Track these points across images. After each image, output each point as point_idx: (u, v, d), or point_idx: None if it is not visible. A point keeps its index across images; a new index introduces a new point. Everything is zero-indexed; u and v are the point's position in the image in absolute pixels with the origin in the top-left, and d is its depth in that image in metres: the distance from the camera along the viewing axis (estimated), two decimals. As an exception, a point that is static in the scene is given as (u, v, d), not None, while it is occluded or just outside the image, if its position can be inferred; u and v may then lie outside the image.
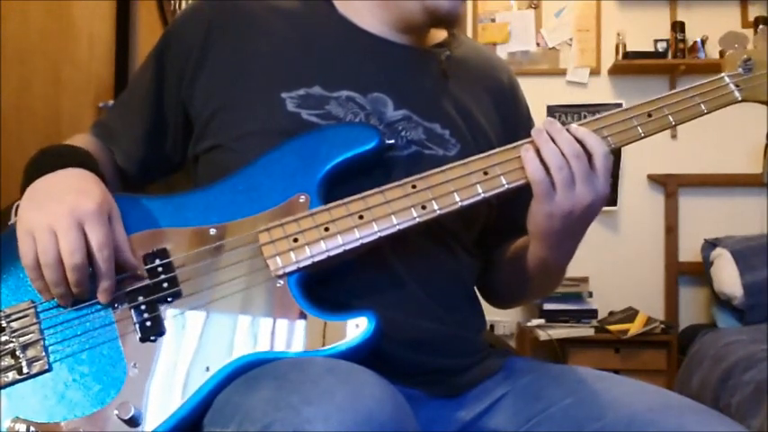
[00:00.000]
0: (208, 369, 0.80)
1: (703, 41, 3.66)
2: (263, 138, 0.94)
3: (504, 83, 1.13)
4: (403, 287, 0.93)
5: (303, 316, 0.83)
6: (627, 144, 0.95)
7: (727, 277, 3.25)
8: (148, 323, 0.83)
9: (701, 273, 3.54)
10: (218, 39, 1.00)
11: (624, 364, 3.25)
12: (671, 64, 3.66)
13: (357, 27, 1.03)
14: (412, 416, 0.71)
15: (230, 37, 1.00)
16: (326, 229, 0.86)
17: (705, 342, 3.04)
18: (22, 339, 0.83)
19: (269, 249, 0.86)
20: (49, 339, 0.83)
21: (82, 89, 1.72)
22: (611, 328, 3.32)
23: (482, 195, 0.90)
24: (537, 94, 2.81)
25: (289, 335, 0.82)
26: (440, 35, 1.10)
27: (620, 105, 0.96)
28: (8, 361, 0.82)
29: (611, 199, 2.72)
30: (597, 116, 0.94)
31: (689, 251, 3.65)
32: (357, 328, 0.81)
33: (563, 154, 0.88)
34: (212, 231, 0.88)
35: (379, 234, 0.87)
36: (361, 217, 0.87)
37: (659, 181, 3.73)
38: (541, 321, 3.41)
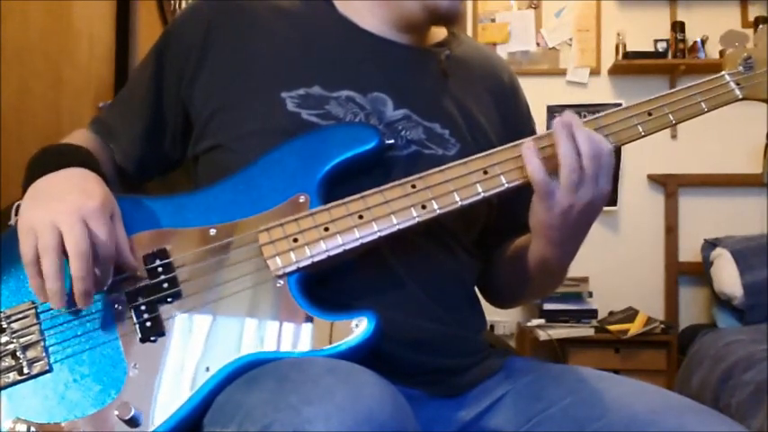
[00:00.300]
0: (208, 369, 0.80)
1: (703, 41, 3.66)
2: (263, 138, 0.94)
3: (505, 82, 1.13)
4: (403, 287, 0.93)
5: (303, 316, 0.83)
6: (627, 143, 0.94)
7: (727, 277, 3.25)
8: (148, 323, 0.83)
9: (701, 273, 3.54)
10: (217, 38, 1.00)
11: (624, 364, 3.25)
12: (671, 64, 3.66)
13: (357, 27, 1.03)
14: (412, 416, 0.71)
15: (230, 37, 1.00)
16: (326, 229, 0.86)
17: (705, 342, 3.04)
18: (22, 340, 0.83)
19: (269, 249, 0.86)
20: (50, 340, 0.83)
21: (82, 89, 1.72)
22: (611, 328, 3.33)
23: (482, 195, 0.90)
24: (537, 94, 2.81)
25: (288, 335, 0.82)
26: (440, 34, 1.10)
27: (619, 105, 0.96)
28: (9, 362, 0.82)
29: (612, 199, 2.72)
30: (597, 115, 0.94)
31: (689, 251, 3.65)
32: (357, 327, 0.81)
33: (579, 154, 0.87)
34: (212, 232, 0.88)
35: (378, 234, 0.87)
36: (360, 217, 0.87)
37: (659, 181, 3.73)
38: (541, 321, 3.41)
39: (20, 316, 0.84)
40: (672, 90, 0.98)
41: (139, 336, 0.83)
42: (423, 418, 0.88)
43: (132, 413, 0.77)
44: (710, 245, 3.45)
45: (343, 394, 0.66)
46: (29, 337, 0.83)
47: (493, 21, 3.82)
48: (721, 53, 3.61)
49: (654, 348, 3.31)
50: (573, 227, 0.91)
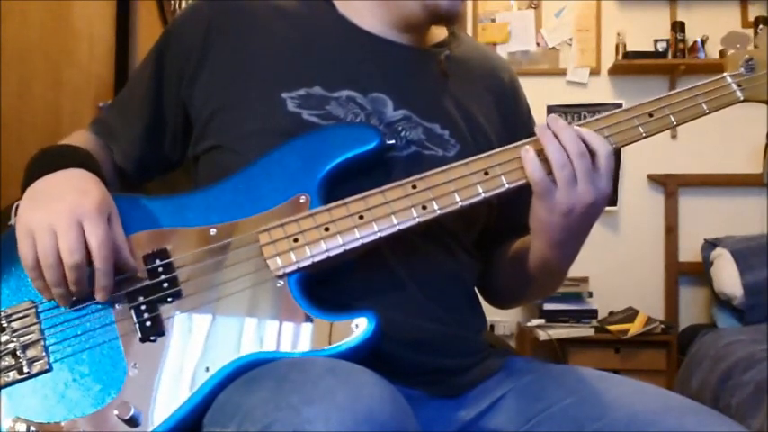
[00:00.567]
0: (208, 369, 0.80)
1: (703, 41, 3.66)
2: (263, 138, 0.93)
3: (505, 82, 1.13)
4: (403, 287, 0.93)
5: (303, 316, 0.83)
6: (628, 144, 0.94)
7: (727, 277, 3.25)
8: (148, 323, 0.83)
9: (701, 273, 3.54)
10: (217, 39, 1.00)
11: (624, 364, 3.25)
12: (671, 64, 3.66)
13: (357, 27, 1.03)
14: (412, 416, 0.71)
15: (230, 37, 1.00)
16: (327, 230, 0.86)
17: (705, 342, 3.04)
18: (22, 339, 0.83)
19: (269, 250, 0.86)
20: (50, 339, 0.83)
21: (82, 89, 1.72)
22: (611, 328, 3.33)
23: (482, 195, 0.90)
24: (537, 94, 2.81)
25: (289, 335, 0.82)
26: (440, 34, 1.10)
27: (620, 105, 0.96)
28: (9, 361, 0.82)
29: (612, 199, 2.72)
30: (598, 116, 0.94)
31: (689, 251, 3.65)
32: (357, 328, 0.81)
33: (566, 152, 0.88)
34: (213, 232, 0.88)
35: (379, 234, 0.87)
36: (361, 217, 0.87)
37: (659, 181, 3.73)
38: (541, 321, 3.41)
39: (20, 315, 0.84)
40: (673, 91, 0.98)
41: (139, 335, 0.83)
42: (423, 418, 0.88)
43: (132, 413, 0.77)
44: (710, 245, 3.45)
45: (343, 394, 0.66)
46: (29, 336, 0.83)
47: (493, 21, 3.82)
48: (721, 53, 3.62)
49: (654, 348, 3.31)
50: (573, 228, 0.91)
